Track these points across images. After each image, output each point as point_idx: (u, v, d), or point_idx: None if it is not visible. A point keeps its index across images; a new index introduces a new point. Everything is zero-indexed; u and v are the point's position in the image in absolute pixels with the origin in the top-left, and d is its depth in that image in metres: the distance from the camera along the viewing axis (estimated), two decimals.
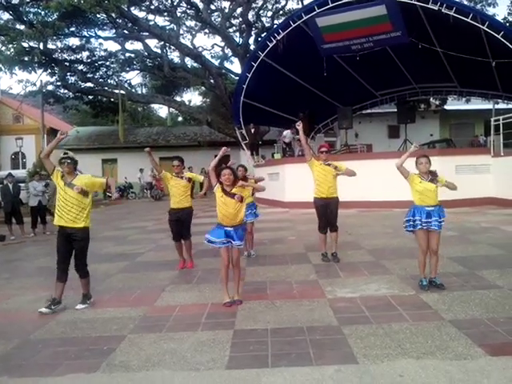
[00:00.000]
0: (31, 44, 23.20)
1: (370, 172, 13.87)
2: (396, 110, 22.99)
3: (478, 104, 27.21)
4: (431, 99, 28.17)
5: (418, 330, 4.19)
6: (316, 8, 15.04)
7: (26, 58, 22.82)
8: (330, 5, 14.68)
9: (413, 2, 13.39)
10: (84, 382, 3.60)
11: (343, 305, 5.06)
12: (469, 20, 12.89)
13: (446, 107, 29.68)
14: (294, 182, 14.94)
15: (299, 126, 7.30)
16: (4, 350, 4.32)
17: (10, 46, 21.51)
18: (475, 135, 27.13)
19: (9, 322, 5.23)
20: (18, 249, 10.82)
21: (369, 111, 26.11)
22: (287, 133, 19.00)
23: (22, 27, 22.89)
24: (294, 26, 15.59)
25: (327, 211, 7.21)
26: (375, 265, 6.86)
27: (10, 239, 12.04)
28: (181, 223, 7.29)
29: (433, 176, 5.40)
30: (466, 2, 22.41)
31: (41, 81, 28.60)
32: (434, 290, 5.33)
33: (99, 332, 4.68)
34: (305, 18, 15.33)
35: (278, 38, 15.91)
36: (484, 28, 12.95)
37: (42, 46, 24.13)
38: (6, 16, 24.04)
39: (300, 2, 26.17)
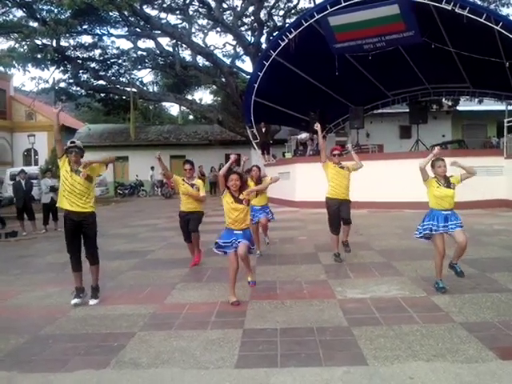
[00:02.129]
0: (44, 41, 23.38)
1: (380, 172, 13.84)
2: (408, 110, 22.84)
3: (490, 105, 26.94)
4: (443, 100, 27.97)
5: (428, 332, 4.17)
6: (328, 7, 14.99)
7: (39, 56, 23.02)
8: (343, 4, 14.63)
9: (426, 1, 13.30)
10: (93, 379, 3.61)
11: (353, 306, 5.04)
12: (482, 20, 12.78)
13: (459, 108, 29.45)
14: (305, 181, 14.93)
15: (317, 127, 7.31)
16: (14, 345, 4.35)
17: (24, 43, 21.72)
18: (488, 136, 26.92)
19: (19, 317, 5.27)
20: (29, 245, 10.91)
21: (380, 111, 25.96)
22: (306, 136, 19.06)
23: (36, 24, 23.09)
24: (306, 24, 15.56)
25: (339, 211, 7.20)
26: (386, 266, 6.83)
27: (22, 235, 12.15)
28: (190, 222, 7.36)
29: (447, 181, 5.34)
30: (479, 2, 22.24)
31: (53, 78, 28.86)
32: (446, 292, 5.30)
33: (109, 329, 4.70)
34: (317, 16, 15.29)
35: (290, 36, 15.89)
36: (498, 28, 12.83)
37: (54, 44, 24.32)
38: (20, 13, 24.30)
39: (312, 1, 26.08)
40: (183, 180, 7.36)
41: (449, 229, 5.24)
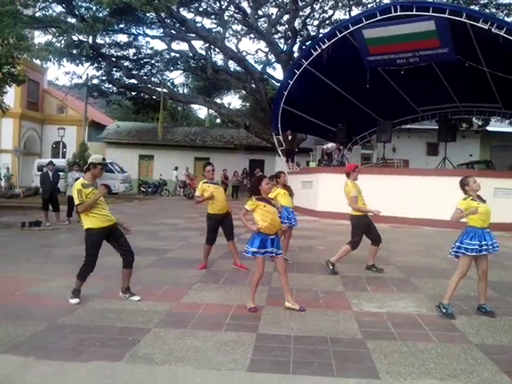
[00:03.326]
0: (81, 38, 23.86)
1: (404, 188, 13.73)
2: (437, 127, 22.62)
3: None
4: (474, 119, 27.60)
5: (443, 351, 4.12)
6: (364, 20, 14.97)
7: (75, 51, 23.48)
8: (378, 17, 14.59)
9: (463, 19, 13.18)
10: (107, 370, 3.67)
11: (369, 319, 5.01)
12: None
13: (488, 128, 29.04)
14: (328, 191, 14.86)
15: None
16: (32, 332, 4.44)
17: (61, 38, 22.19)
18: None
19: (39, 305, 5.37)
20: (52, 235, 11.11)
21: (408, 126, 25.78)
22: (332, 146, 19.03)
23: (74, 21, 23.58)
24: (339, 36, 15.55)
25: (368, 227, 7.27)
26: (404, 282, 6.77)
27: (46, 225, 12.37)
28: (225, 225, 7.45)
29: (480, 198, 5.24)
30: None
31: (87, 74, 29.47)
32: (463, 312, 5.23)
33: (125, 323, 4.77)
34: (352, 28, 15.27)
35: (323, 47, 15.89)
36: None
37: (91, 40, 24.80)
38: (59, 9, 24.83)
39: (347, 13, 26.13)
40: (206, 183, 7.40)
41: (494, 248, 5.14)
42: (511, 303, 5.73)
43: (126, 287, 5.62)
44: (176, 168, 28.79)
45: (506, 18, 22.65)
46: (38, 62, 23.79)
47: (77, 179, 11.28)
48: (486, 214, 5.15)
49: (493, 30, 12.72)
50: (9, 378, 3.56)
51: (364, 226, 7.23)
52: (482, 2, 24.25)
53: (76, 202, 5.38)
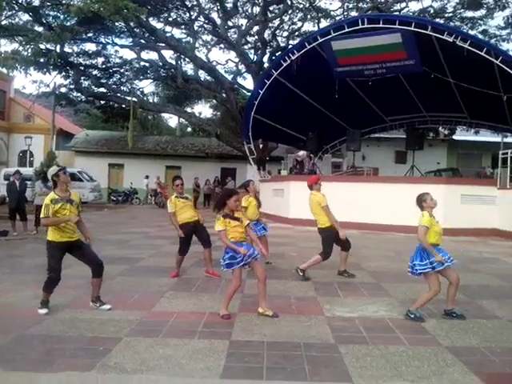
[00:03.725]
0: (48, 46, 23.45)
1: (374, 195, 13.97)
2: (405, 136, 23.09)
3: (486, 136, 27.31)
4: (440, 128, 28.27)
5: (414, 354, 4.19)
6: (332, 32, 15.19)
7: (42, 60, 23.09)
8: (346, 29, 14.83)
9: (428, 32, 13.52)
10: (78, 381, 3.60)
11: (341, 324, 5.05)
12: (483, 54, 12.99)
13: (455, 137, 29.77)
14: (299, 198, 14.92)
15: None
16: (0, 343, 4.33)
17: (28, 46, 21.79)
18: (482, 166, 27.17)
19: (7, 316, 5.23)
20: (19, 245, 10.85)
21: (377, 135, 26.23)
22: (303, 153, 19.16)
23: (41, 29, 23.21)
24: (308, 47, 15.73)
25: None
26: (375, 287, 6.86)
27: (13, 235, 12.08)
28: (200, 234, 7.46)
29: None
30: (480, 36, 22.66)
31: (54, 83, 29.13)
32: (433, 315, 5.33)
33: (96, 332, 4.68)
34: (320, 40, 15.47)
35: (293, 57, 16.04)
36: (497, 62, 13.04)
37: (58, 49, 24.40)
38: (26, 17, 24.41)
39: (316, 25, 26.48)
40: (176, 198, 7.42)
41: (452, 260, 5.22)
42: (479, 306, 5.86)
43: (96, 296, 5.53)
44: (147, 176, 28.55)
45: (469, 31, 23.31)
46: (4, 70, 23.36)
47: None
48: (440, 232, 5.27)
49: (457, 42, 13.07)
50: None
51: (333, 236, 7.29)
52: (446, 15, 24.95)
53: (41, 214, 5.29)
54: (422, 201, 5.35)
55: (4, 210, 14.94)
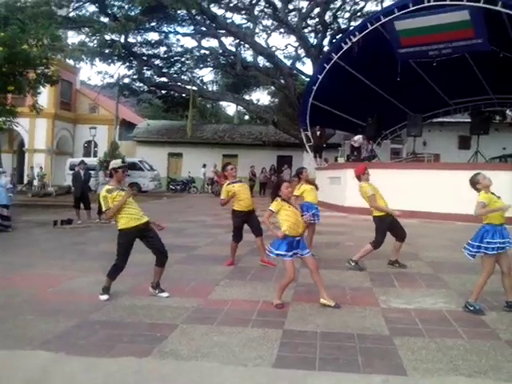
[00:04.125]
0: (113, 37, 24.16)
1: (435, 182, 13.48)
2: (469, 120, 22.12)
3: None
4: (508, 111, 26.85)
5: (472, 348, 4.05)
6: (396, 11, 14.67)
7: (107, 51, 23.83)
8: (411, 8, 14.28)
9: (498, 8, 12.81)
10: (136, 366, 3.73)
11: (396, 315, 4.95)
12: None
13: None
14: (356, 187, 14.71)
15: None
16: (63, 328, 4.55)
17: (94, 37, 22.56)
18: None
19: (70, 301, 5.49)
20: (83, 233, 11.35)
21: (440, 120, 25.26)
22: (359, 138, 18.72)
23: (106, 20, 23.93)
24: (371, 28, 15.29)
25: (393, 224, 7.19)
26: (433, 277, 6.66)
27: (77, 223, 12.63)
28: (252, 222, 7.45)
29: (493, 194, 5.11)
30: None
31: (118, 73, 29.89)
32: (493, 308, 5.12)
33: (153, 319, 4.84)
34: (383, 20, 14.99)
35: (354, 40, 15.67)
36: None
37: (123, 40, 25.08)
38: (92, 8, 25.23)
39: (379, 5, 25.69)
40: (230, 185, 7.41)
41: (510, 245, 5.01)
42: None
43: (157, 283, 5.70)
44: (204, 165, 28.96)
45: None
46: (71, 62, 24.29)
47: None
48: (503, 209, 5.02)
49: None
50: (40, 373, 3.65)
51: (387, 225, 7.14)
52: None
53: (103, 208, 5.53)
54: (475, 183, 5.17)
55: (69, 198, 15.64)
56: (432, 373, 3.58)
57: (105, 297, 5.49)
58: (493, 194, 5.13)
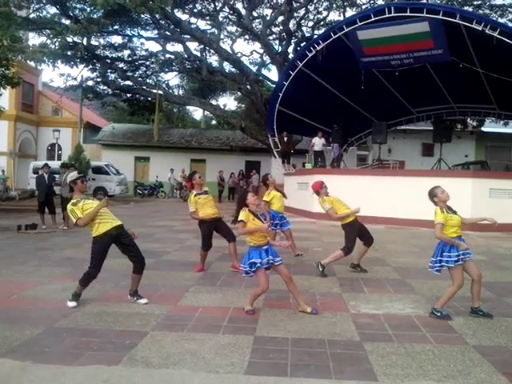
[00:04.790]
0: (75, 39, 23.75)
1: (400, 189, 13.78)
2: (432, 128, 22.73)
3: None
4: (468, 120, 27.73)
5: (440, 353, 4.14)
6: (358, 21, 15.01)
7: (70, 53, 23.39)
8: (373, 18, 14.64)
9: (457, 20, 13.24)
10: (105, 374, 3.66)
11: (366, 321, 5.03)
12: None
13: (483, 129, 29.18)
14: None
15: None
16: (29, 336, 4.44)
17: (55, 39, 22.08)
18: (511, 159, 26.58)
19: (36, 308, 5.35)
20: (48, 238, 11.07)
21: (404, 127, 25.87)
22: (315, 139, 18.87)
23: (68, 22, 23.47)
24: (334, 37, 15.59)
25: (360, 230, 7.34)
26: (401, 283, 6.80)
27: (42, 228, 12.32)
28: (222, 229, 7.48)
29: (449, 208, 5.24)
30: (511, 24, 22.10)
31: (82, 76, 29.42)
32: (460, 313, 5.26)
33: (123, 326, 4.77)
34: (346, 30, 15.32)
35: (318, 48, 15.93)
36: None
37: (85, 42, 24.68)
38: (53, 10, 24.71)
39: (342, 15, 26.20)
40: (195, 196, 7.39)
41: (470, 254, 5.14)
42: (508, 304, 5.76)
43: (134, 290, 5.62)
44: (172, 170, 28.74)
45: (499, 19, 22.75)
46: (32, 63, 23.71)
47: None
48: (459, 224, 5.14)
49: (486, 30, 12.79)
50: (6, 382, 3.55)
51: (357, 230, 7.26)
52: (475, 2, 24.37)
53: (73, 220, 5.41)
54: (433, 195, 5.25)
55: (33, 203, 15.25)
56: (402, 378, 3.65)
57: (73, 304, 5.37)
58: (449, 208, 5.23)
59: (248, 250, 5.26)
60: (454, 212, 5.22)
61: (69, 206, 5.42)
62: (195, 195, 7.39)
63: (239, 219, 5.23)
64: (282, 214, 8.46)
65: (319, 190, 7.46)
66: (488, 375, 3.71)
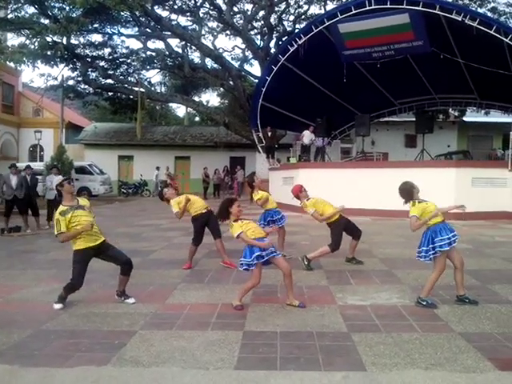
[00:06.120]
0: (55, 39, 23.46)
1: (385, 180, 13.86)
2: (414, 119, 22.90)
3: (497, 117, 26.96)
4: (450, 110, 27.99)
5: (427, 341, 4.19)
6: (339, 14, 15.06)
7: (49, 52, 23.12)
8: (353, 11, 14.70)
9: (436, 11, 13.34)
10: (94, 375, 3.64)
11: (353, 312, 5.07)
12: (492, 32, 12.82)
13: (465, 119, 29.45)
14: (308, 186, 14.92)
15: None
16: (17, 339, 4.40)
17: (34, 39, 21.81)
18: (493, 148, 26.90)
19: (23, 311, 5.30)
20: (32, 240, 10.96)
21: (386, 119, 26.03)
22: (306, 132, 18.95)
23: (47, 22, 23.18)
24: (315, 31, 15.62)
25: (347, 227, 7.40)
26: (387, 274, 6.86)
27: (26, 230, 12.18)
28: (211, 224, 7.43)
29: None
30: (490, 14, 22.32)
31: (62, 75, 29.01)
32: (446, 301, 5.32)
33: (111, 326, 4.74)
34: (327, 23, 15.36)
35: (300, 42, 15.96)
36: (507, 41, 12.87)
37: (65, 41, 24.41)
38: (32, 10, 24.38)
39: (323, 8, 26.23)
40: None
41: (456, 239, 5.18)
42: (492, 291, 5.84)
43: (122, 291, 5.59)
44: (158, 168, 28.54)
45: (478, 9, 22.96)
46: (12, 64, 23.39)
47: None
48: (435, 209, 5.16)
49: (466, 21, 12.92)
50: None
51: (342, 227, 7.31)
52: None
53: (55, 231, 5.25)
54: (412, 188, 5.33)
55: None
56: (390, 367, 3.69)
57: (59, 306, 5.32)
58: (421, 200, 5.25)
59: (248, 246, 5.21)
60: (426, 202, 5.24)
61: (56, 215, 5.29)
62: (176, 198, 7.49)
63: (236, 234, 5.15)
64: (277, 209, 8.41)
65: (299, 194, 7.49)
66: (474, 361, 3.77)
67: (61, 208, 5.31)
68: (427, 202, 5.20)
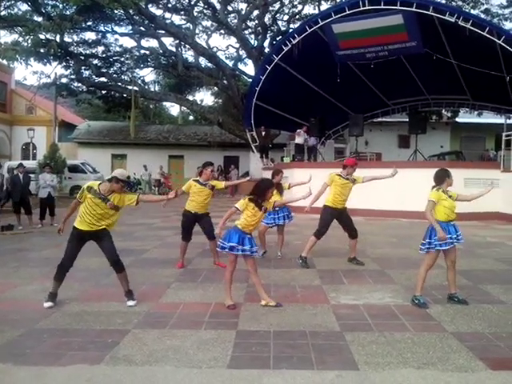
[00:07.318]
0: (48, 36, 23.33)
1: (377, 181, 13.91)
2: (407, 119, 22.98)
3: (489, 118, 27.14)
4: (443, 111, 28.13)
5: (419, 340, 4.22)
6: (333, 14, 15.10)
7: (42, 50, 22.97)
8: (347, 12, 14.75)
9: (430, 13, 13.39)
10: (87, 374, 3.64)
11: (346, 311, 5.09)
12: (485, 33, 12.89)
13: (458, 119, 29.62)
14: (302, 186, 14.96)
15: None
16: (10, 338, 4.39)
17: (28, 37, 21.66)
18: (485, 149, 27.08)
19: (15, 310, 5.28)
20: (25, 239, 10.90)
21: (380, 120, 26.10)
22: (300, 131, 18.98)
23: (40, 19, 23.05)
24: (309, 31, 15.65)
25: (341, 220, 7.42)
26: (380, 273, 6.89)
27: (18, 229, 12.11)
28: (202, 225, 7.37)
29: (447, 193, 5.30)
30: (483, 16, 22.46)
31: (55, 73, 28.81)
32: (438, 301, 5.35)
33: (104, 325, 4.74)
34: (321, 23, 15.39)
35: (294, 42, 15.98)
36: (500, 42, 12.95)
37: (58, 39, 24.28)
38: (25, 7, 24.27)
39: (317, 8, 26.25)
40: (194, 181, 7.34)
41: (459, 239, 5.25)
42: (484, 291, 5.89)
43: (126, 291, 5.50)
44: (145, 166, 28.11)
45: (471, 11, 23.09)
46: (4, 62, 23.24)
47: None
48: (451, 208, 5.21)
49: (459, 22, 12.99)
50: None
51: (329, 214, 7.39)
52: None
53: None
54: (445, 177, 5.32)
55: (9, 203, 14.97)
56: (383, 366, 3.71)
57: (49, 304, 5.29)
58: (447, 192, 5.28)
59: (233, 228, 5.25)
60: (451, 197, 5.26)
61: (86, 184, 5.45)
62: (194, 180, 7.36)
63: (236, 206, 5.21)
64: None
65: (354, 166, 7.99)
66: (466, 361, 3.80)
67: (92, 184, 5.46)
68: (446, 197, 5.20)
